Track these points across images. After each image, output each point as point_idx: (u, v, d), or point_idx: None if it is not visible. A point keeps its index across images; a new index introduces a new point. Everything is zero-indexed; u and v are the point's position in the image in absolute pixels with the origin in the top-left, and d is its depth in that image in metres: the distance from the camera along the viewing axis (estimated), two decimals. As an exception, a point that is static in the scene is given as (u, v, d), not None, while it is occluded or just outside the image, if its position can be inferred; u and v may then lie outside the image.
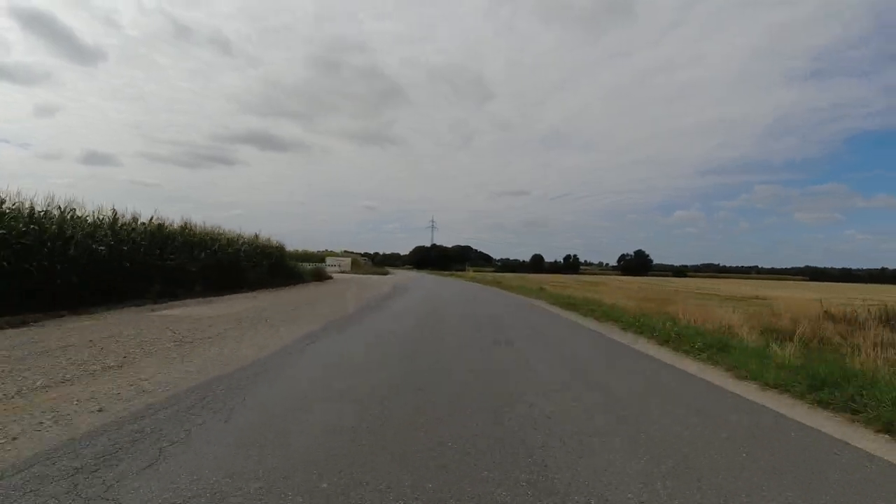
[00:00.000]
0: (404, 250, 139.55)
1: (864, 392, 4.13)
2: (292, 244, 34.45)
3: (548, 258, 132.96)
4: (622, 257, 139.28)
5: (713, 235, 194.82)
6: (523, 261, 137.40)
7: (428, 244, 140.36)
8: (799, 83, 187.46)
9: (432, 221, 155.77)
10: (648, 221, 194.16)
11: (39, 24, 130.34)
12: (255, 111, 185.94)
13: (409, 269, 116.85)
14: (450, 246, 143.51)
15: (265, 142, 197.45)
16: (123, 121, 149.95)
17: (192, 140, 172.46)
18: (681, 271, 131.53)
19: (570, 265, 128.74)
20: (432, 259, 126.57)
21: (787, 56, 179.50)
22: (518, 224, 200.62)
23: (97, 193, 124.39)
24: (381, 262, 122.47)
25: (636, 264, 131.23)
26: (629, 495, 2.39)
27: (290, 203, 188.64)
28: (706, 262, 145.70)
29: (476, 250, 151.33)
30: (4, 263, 7.81)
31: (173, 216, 15.96)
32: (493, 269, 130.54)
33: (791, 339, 6.65)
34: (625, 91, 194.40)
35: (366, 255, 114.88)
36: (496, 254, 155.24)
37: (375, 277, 30.85)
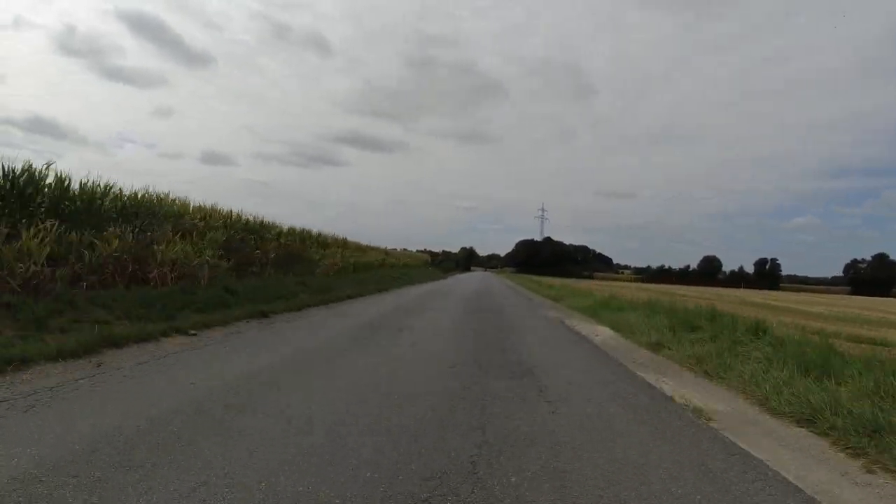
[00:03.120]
0: (503, 251, 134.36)
1: None
2: (391, 243, 26.60)
3: (671, 263, 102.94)
4: (852, 265, 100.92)
5: (835, 245, 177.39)
6: (676, 267, 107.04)
7: (533, 242, 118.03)
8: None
9: (542, 211, 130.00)
10: (761, 226, 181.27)
11: (153, 31, 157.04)
12: (356, 112, 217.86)
13: (497, 272, 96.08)
14: (566, 243, 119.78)
15: (366, 142, 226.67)
16: (237, 122, 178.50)
17: (299, 140, 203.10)
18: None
19: (766, 275, 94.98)
20: (544, 258, 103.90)
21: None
22: (625, 226, 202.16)
23: (216, 191, 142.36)
24: (464, 264, 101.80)
25: (881, 278, 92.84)
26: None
27: (390, 202, 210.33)
28: (825, 274, 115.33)
29: (593, 251, 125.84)
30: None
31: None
32: (634, 276, 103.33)
33: None
34: (736, 83, 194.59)
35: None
36: (617, 258, 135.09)
37: None
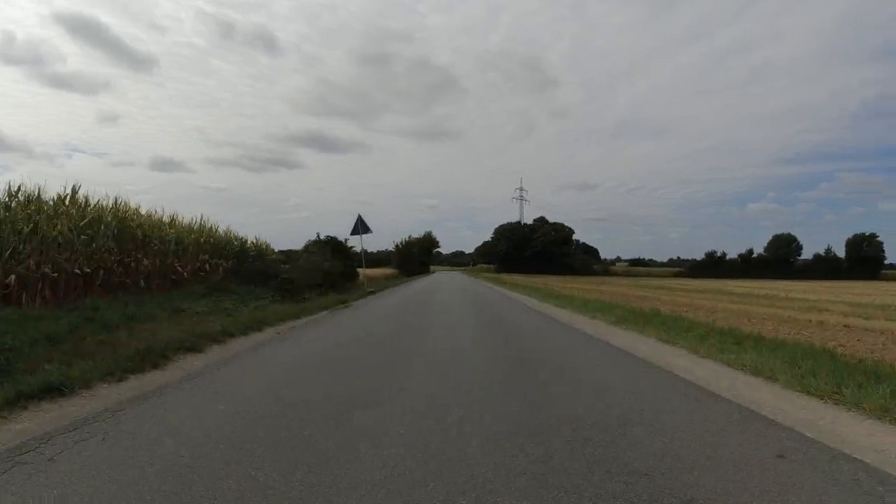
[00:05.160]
0: (468, 248, 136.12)
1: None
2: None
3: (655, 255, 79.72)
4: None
5: (795, 229, 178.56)
6: (714, 255, 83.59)
7: (507, 232, 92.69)
8: (890, 57, 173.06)
9: (520, 190, 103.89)
10: (723, 214, 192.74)
11: (91, 34, 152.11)
12: (311, 112, 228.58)
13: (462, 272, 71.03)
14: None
15: (323, 143, 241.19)
16: (187, 126, 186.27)
17: (253, 143, 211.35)
18: None
19: (862, 260, 71.13)
20: (544, 247, 79.05)
21: (875, 27, 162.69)
22: (589, 219, 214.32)
23: (172, 200, 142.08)
24: (417, 261, 59.88)
25: None
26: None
27: (354, 203, 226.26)
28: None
29: (577, 241, 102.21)
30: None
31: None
32: (674, 270, 79.49)
33: None
34: (699, 74, 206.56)
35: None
36: (605, 252, 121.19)
37: None
